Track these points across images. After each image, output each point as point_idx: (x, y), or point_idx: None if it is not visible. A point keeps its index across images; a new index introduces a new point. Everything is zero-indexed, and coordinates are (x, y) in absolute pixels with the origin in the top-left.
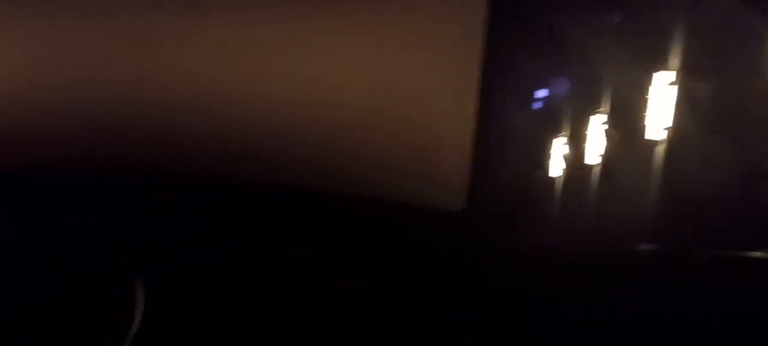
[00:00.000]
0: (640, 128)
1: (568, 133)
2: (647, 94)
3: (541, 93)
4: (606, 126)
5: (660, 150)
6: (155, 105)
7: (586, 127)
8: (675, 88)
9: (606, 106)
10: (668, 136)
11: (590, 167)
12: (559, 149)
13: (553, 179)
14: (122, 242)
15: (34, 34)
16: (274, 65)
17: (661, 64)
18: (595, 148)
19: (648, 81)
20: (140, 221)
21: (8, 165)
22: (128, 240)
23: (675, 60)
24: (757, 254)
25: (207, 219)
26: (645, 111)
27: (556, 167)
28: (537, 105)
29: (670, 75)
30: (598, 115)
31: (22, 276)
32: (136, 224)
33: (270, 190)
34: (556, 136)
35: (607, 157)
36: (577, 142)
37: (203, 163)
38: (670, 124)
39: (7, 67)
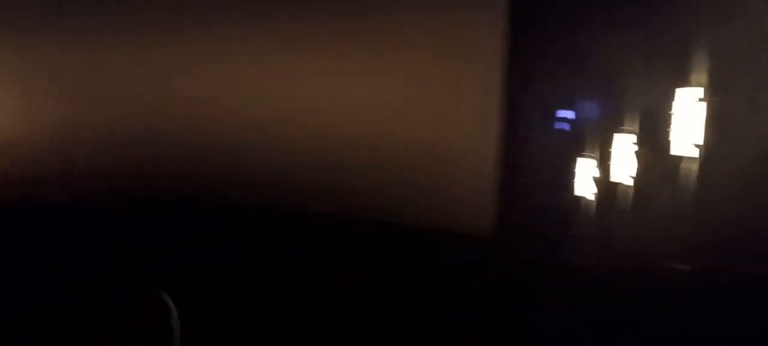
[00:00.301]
0: (669, 146)
1: (595, 152)
2: (674, 111)
3: (567, 112)
4: (634, 144)
5: (690, 167)
6: (173, 134)
7: (614, 146)
8: (703, 105)
9: (633, 124)
10: (698, 153)
11: (619, 187)
12: (586, 169)
13: (581, 200)
14: (148, 270)
15: (44, 71)
16: (292, 92)
17: (688, 80)
18: (624, 167)
19: (675, 97)
20: (163, 249)
21: (25, 198)
22: (154, 266)
23: (702, 76)
24: None
25: (231, 246)
26: (672, 128)
27: (585, 188)
28: (562, 124)
29: (698, 91)
30: (625, 134)
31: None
32: (157, 251)
33: (295, 217)
34: (583, 156)
35: (637, 176)
36: (604, 161)
37: (225, 190)
38: (699, 140)
39: (20, 103)
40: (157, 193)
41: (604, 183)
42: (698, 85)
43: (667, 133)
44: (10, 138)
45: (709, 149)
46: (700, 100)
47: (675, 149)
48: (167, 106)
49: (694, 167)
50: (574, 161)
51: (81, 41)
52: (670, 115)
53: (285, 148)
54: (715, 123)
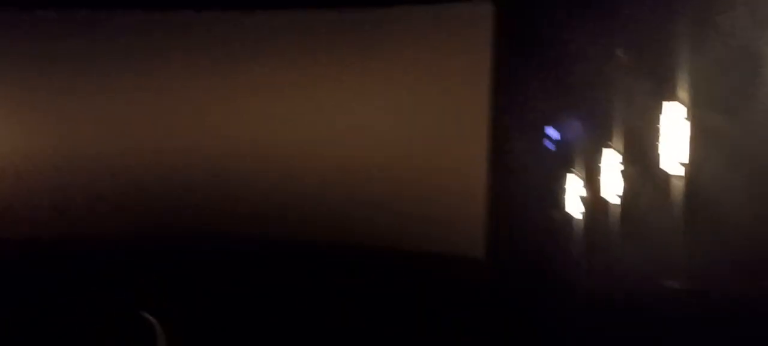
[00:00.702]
0: (656, 163)
1: (583, 171)
2: (660, 127)
3: (554, 133)
4: (621, 162)
5: (677, 183)
6: (176, 169)
7: (601, 164)
8: (688, 122)
9: (620, 142)
10: (685, 170)
11: (608, 204)
12: (575, 188)
13: (570, 219)
14: (144, 300)
15: (48, 108)
16: (285, 125)
17: (674, 97)
18: (612, 185)
19: (661, 114)
20: (162, 283)
21: (27, 233)
22: (151, 298)
23: (687, 93)
24: None
25: (227, 276)
26: (659, 145)
27: (574, 207)
28: (550, 145)
29: (683, 108)
30: (612, 152)
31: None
32: (157, 284)
33: (285, 245)
34: (571, 175)
35: (625, 194)
36: (592, 179)
37: (222, 222)
38: (686, 158)
39: (25, 140)
40: (158, 226)
41: (592, 201)
42: (684, 102)
43: (654, 150)
44: (10, 172)
45: (695, 165)
46: (686, 117)
47: (662, 165)
48: (169, 142)
49: (682, 183)
50: (563, 181)
51: (82, 80)
52: (657, 132)
53: (278, 179)
54: (701, 139)
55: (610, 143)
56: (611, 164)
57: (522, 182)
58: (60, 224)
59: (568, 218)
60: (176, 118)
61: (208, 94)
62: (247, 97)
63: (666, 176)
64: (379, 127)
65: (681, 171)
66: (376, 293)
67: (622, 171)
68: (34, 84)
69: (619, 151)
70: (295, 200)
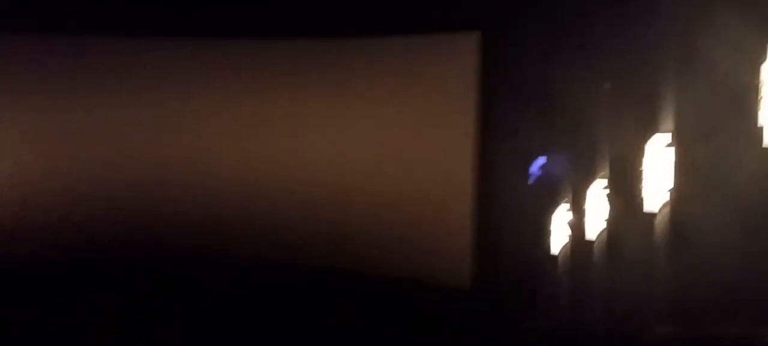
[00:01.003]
0: (643, 196)
1: (569, 204)
2: (647, 160)
3: (540, 163)
4: (607, 195)
5: (664, 214)
6: (166, 191)
7: (588, 197)
8: (675, 155)
9: (606, 174)
10: (672, 204)
11: (593, 238)
12: (560, 220)
13: (556, 252)
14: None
15: (45, 131)
16: (276, 150)
17: (661, 130)
18: (598, 217)
19: (648, 147)
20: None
21: (21, 253)
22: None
23: (674, 126)
24: None
25: (214, 298)
26: (646, 178)
27: (559, 239)
28: (536, 176)
29: (670, 141)
30: (598, 184)
31: None
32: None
33: (274, 269)
34: (557, 207)
35: (611, 227)
36: (578, 212)
37: (212, 244)
38: (673, 191)
39: (33, 160)
40: (157, 248)
41: (578, 234)
42: (670, 134)
43: (641, 183)
44: (21, 193)
45: (682, 199)
46: (669, 145)
47: (649, 199)
48: (165, 163)
49: (669, 214)
50: (549, 213)
51: (92, 102)
52: (643, 165)
53: (265, 205)
54: (688, 173)
55: (596, 176)
56: (597, 197)
57: (508, 213)
58: (71, 244)
59: (554, 250)
60: (167, 146)
61: (199, 120)
62: (233, 125)
63: (652, 210)
64: (366, 158)
65: (668, 205)
66: (359, 320)
67: (608, 204)
68: (46, 106)
69: (605, 184)
70: (281, 224)
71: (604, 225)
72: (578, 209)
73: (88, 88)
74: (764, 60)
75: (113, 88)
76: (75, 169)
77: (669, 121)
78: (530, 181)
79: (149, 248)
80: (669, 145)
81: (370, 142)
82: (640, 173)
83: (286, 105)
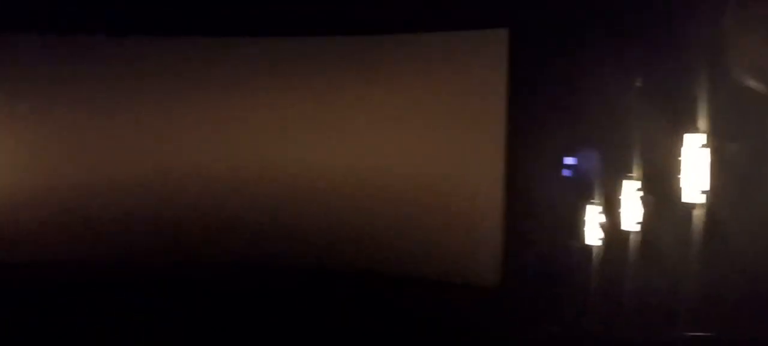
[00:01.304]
0: (676, 193)
1: (600, 201)
2: (679, 157)
3: (572, 161)
4: (640, 193)
5: (699, 215)
6: (186, 194)
7: (619, 194)
8: (707, 151)
9: (638, 171)
10: (706, 201)
11: (627, 235)
12: (593, 218)
13: (588, 250)
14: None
15: (49, 135)
16: (304, 149)
17: (694, 126)
18: (631, 215)
19: (680, 144)
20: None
21: (26, 258)
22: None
23: (707, 122)
24: None
25: (246, 302)
26: (679, 175)
27: (591, 237)
28: (568, 173)
29: (703, 137)
30: (630, 182)
31: None
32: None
33: (306, 271)
34: (590, 205)
35: (644, 226)
36: (611, 209)
37: (239, 248)
38: (706, 188)
39: (28, 167)
40: (169, 251)
41: (611, 232)
42: (704, 130)
43: (674, 180)
44: (19, 194)
45: (716, 196)
46: (704, 145)
47: (682, 196)
48: (179, 165)
49: (703, 214)
50: (581, 210)
51: (92, 102)
52: (676, 162)
53: (292, 204)
54: (721, 169)
55: (628, 173)
56: (629, 194)
57: (539, 211)
58: (81, 246)
59: (585, 248)
60: (187, 143)
61: (228, 118)
62: (262, 122)
63: (686, 207)
64: (395, 155)
65: (701, 201)
66: (387, 320)
67: (640, 201)
68: (49, 106)
69: (637, 181)
70: (307, 226)
71: (636, 224)
72: (610, 207)
73: (89, 86)
74: None
75: (128, 88)
76: (82, 168)
77: (702, 119)
78: (561, 178)
79: (165, 253)
80: (704, 145)
81: (398, 140)
82: (673, 171)
83: (313, 103)
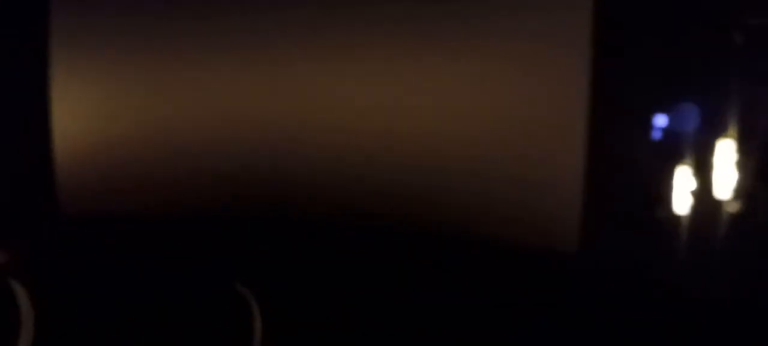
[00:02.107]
0: None
1: (691, 164)
2: None
3: (659, 120)
4: (735, 156)
5: None
6: (271, 149)
7: (712, 157)
8: None
9: (734, 133)
10: None
11: (718, 203)
12: (681, 183)
13: (675, 217)
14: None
15: (129, 82)
16: (379, 111)
17: None
18: (724, 180)
19: None
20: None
21: (107, 206)
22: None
23: None
24: None
25: (313, 262)
26: None
27: (679, 204)
28: (655, 134)
29: None
30: (725, 143)
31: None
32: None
33: (373, 233)
34: (678, 169)
35: (738, 191)
36: (701, 174)
37: (314, 203)
38: None
39: (104, 108)
40: (238, 203)
41: (700, 198)
42: None
43: None
44: (93, 144)
45: None
46: None
47: None
48: (254, 115)
49: None
50: (668, 175)
51: (171, 51)
52: None
53: (371, 166)
54: None
55: (723, 134)
56: (724, 158)
57: (623, 175)
58: (158, 200)
59: (673, 216)
60: (274, 100)
61: (307, 75)
62: (343, 81)
63: None
64: (473, 114)
65: None
66: (460, 286)
67: (735, 165)
68: (133, 59)
69: (732, 144)
70: (379, 188)
71: (729, 190)
72: (701, 170)
73: (180, 42)
74: None
75: (214, 43)
76: (164, 127)
77: None
78: (649, 138)
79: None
80: None
81: (478, 100)
82: None
83: (391, 61)
